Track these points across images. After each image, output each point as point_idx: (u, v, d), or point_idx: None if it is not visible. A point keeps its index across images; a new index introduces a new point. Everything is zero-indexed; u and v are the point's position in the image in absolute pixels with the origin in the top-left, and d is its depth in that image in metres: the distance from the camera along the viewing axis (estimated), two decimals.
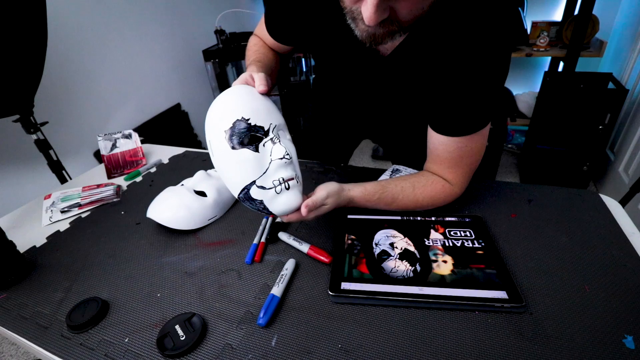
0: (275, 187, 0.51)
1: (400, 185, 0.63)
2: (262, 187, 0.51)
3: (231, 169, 0.51)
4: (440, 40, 0.53)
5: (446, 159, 0.62)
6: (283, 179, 0.51)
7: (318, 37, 0.64)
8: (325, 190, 0.56)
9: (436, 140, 0.61)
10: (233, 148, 0.50)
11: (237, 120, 0.50)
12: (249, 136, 0.50)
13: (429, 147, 0.65)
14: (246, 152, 0.50)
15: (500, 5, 0.49)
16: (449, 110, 0.58)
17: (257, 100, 0.53)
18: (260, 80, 0.55)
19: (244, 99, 0.52)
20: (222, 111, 0.51)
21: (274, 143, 0.51)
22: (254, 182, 0.50)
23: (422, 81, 0.60)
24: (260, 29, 0.76)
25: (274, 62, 0.75)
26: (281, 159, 0.51)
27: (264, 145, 0.51)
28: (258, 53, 0.73)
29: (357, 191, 0.61)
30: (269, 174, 0.51)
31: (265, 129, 0.51)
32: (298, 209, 0.54)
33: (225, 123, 0.50)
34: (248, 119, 0.50)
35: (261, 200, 0.51)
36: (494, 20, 0.50)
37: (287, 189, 0.51)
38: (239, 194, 0.52)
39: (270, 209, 0.52)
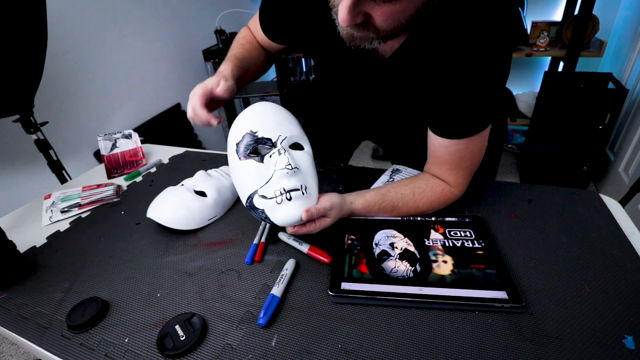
0: (276, 197, 0.51)
1: (400, 192, 0.62)
2: (264, 197, 0.52)
3: (239, 178, 0.54)
4: (440, 42, 0.53)
5: (446, 161, 0.61)
6: (284, 190, 0.51)
7: (317, 38, 0.64)
8: (329, 202, 0.55)
9: (436, 143, 0.61)
10: (240, 159, 0.53)
11: (246, 133, 0.53)
12: (256, 148, 0.54)
13: (429, 149, 0.64)
14: (251, 163, 0.53)
15: (499, 6, 0.49)
16: (449, 112, 0.57)
17: (270, 112, 0.56)
18: (222, 89, 0.59)
19: (258, 112, 0.56)
20: (235, 126, 0.56)
21: (279, 154, 0.52)
22: (256, 192, 0.52)
23: (422, 83, 0.60)
24: (254, 24, 0.74)
25: (257, 60, 0.74)
26: (283, 168, 0.51)
27: (270, 156, 0.53)
28: (242, 48, 0.72)
29: (358, 203, 0.60)
30: (271, 184, 0.52)
31: (274, 140, 0.53)
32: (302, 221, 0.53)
33: (236, 137, 0.54)
34: (255, 132, 0.53)
35: (262, 210, 0.52)
36: (494, 21, 0.50)
37: (289, 199, 0.51)
38: (246, 203, 0.54)
39: (272, 219, 0.52)
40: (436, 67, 0.55)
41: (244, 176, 0.53)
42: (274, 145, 0.53)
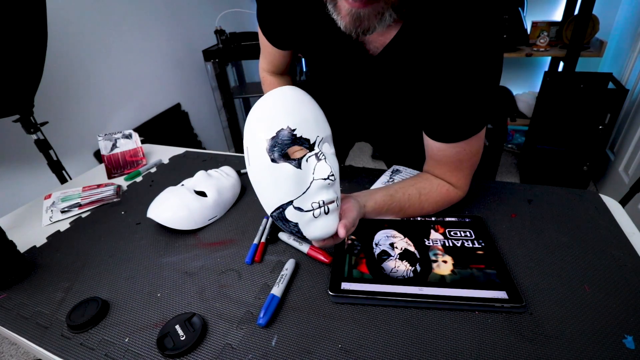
0: (314, 209, 0.46)
1: (407, 193, 0.61)
2: (300, 209, 0.45)
3: (268, 184, 0.46)
4: (430, 40, 0.51)
5: (446, 164, 0.61)
6: (324, 202, 0.45)
7: (307, 39, 0.63)
8: (355, 211, 0.52)
9: (433, 147, 0.60)
10: (273, 161, 0.45)
11: (282, 129, 0.44)
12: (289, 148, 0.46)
13: (426, 153, 0.64)
14: (287, 167, 0.45)
15: (490, 6, 0.48)
16: (443, 116, 0.56)
17: (306, 107, 0.47)
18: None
19: (293, 105, 0.46)
20: (266, 117, 0.46)
21: (318, 159, 0.46)
22: (291, 202, 0.45)
23: (412, 83, 0.58)
24: (261, 60, 0.79)
25: (289, 84, 0.83)
26: (325, 179, 0.45)
27: (307, 160, 0.46)
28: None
29: (369, 206, 0.58)
30: (308, 195, 0.45)
31: (311, 141, 0.46)
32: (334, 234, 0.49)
33: (268, 131, 0.45)
34: (294, 130, 0.44)
35: (296, 223, 0.47)
36: (484, 20, 0.49)
37: (326, 213, 0.46)
38: (272, 212, 0.48)
39: (305, 233, 0.48)
40: (426, 67, 0.54)
41: (276, 182, 0.45)
42: (311, 147, 0.46)
